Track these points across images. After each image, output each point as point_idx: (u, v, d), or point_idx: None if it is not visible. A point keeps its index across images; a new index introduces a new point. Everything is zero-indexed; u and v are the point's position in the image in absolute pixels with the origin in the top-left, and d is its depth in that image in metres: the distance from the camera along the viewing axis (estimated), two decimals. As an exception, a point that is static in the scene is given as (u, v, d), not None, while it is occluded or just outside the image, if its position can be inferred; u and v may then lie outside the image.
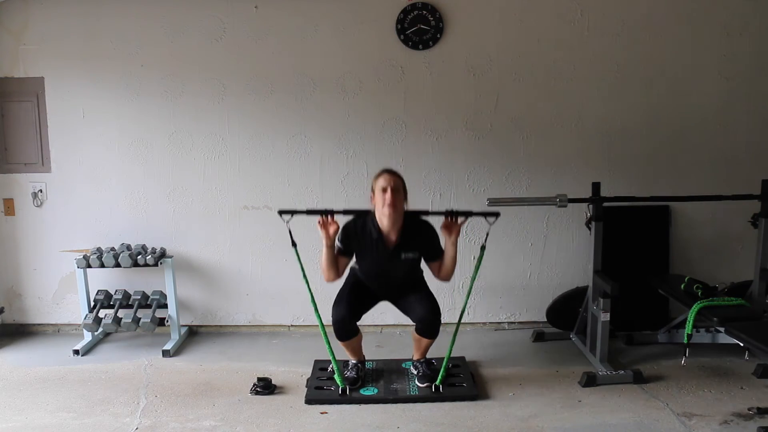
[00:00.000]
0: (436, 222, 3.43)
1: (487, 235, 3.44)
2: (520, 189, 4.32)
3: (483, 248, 3.48)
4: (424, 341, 3.51)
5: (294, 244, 3.40)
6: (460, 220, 3.37)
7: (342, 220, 3.41)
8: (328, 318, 3.47)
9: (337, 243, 3.37)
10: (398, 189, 3.28)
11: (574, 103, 4.26)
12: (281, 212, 3.39)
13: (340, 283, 3.53)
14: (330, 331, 3.44)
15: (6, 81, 4.27)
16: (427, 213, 3.48)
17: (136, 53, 4.23)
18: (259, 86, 4.24)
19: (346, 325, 3.41)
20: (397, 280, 3.49)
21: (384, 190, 3.25)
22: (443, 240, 3.40)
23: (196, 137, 4.31)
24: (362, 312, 3.51)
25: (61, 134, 4.32)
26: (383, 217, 3.29)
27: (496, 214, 3.40)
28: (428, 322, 3.42)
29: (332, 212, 3.33)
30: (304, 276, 3.42)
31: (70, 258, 4.27)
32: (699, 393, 3.41)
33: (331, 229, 3.31)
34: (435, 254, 3.44)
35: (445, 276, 3.47)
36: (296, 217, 3.39)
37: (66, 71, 4.25)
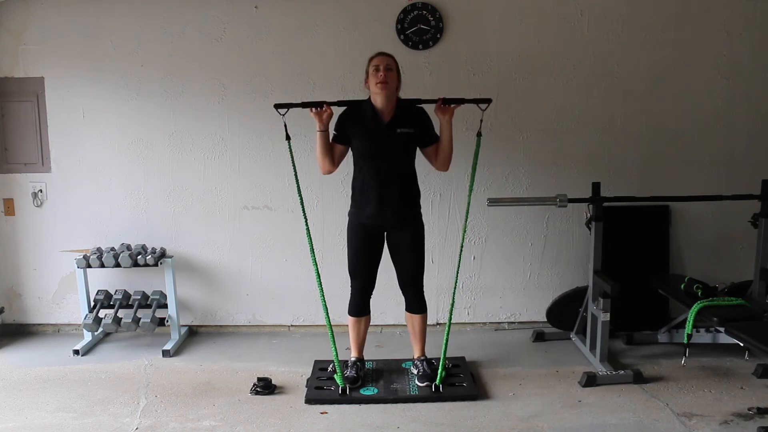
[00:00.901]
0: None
1: (481, 122, 3.39)
2: (520, 189, 4.32)
3: (479, 135, 3.44)
4: (416, 319, 3.53)
5: (288, 137, 3.39)
6: (453, 106, 3.38)
7: (335, 120, 3.41)
8: (330, 310, 3.46)
9: (332, 132, 3.39)
10: (391, 68, 3.34)
11: (574, 103, 4.26)
12: (277, 106, 3.36)
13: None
14: (331, 329, 3.44)
15: (6, 81, 4.27)
16: (420, 101, 3.47)
17: (136, 53, 4.23)
18: (259, 86, 4.24)
19: (365, 298, 3.49)
20: (393, 162, 3.39)
21: (377, 69, 3.31)
22: (437, 126, 3.41)
23: (196, 137, 4.31)
24: (375, 276, 3.53)
25: (61, 134, 4.32)
26: (377, 95, 3.33)
27: (488, 101, 3.38)
28: (411, 290, 3.48)
29: (327, 103, 3.35)
30: (295, 174, 3.42)
31: (70, 258, 4.27)
32: (699, 393, 3.41)
33: (325, 114, 3.33)
34: (431, 136, 3.44)
35: (443, 160, 3.45)
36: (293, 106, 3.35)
37: (66, 71, 4.25)
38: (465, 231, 3.52)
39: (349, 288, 3.57)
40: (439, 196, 4.33)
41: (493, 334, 4.41)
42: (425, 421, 3.15)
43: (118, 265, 4.12)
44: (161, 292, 4.30)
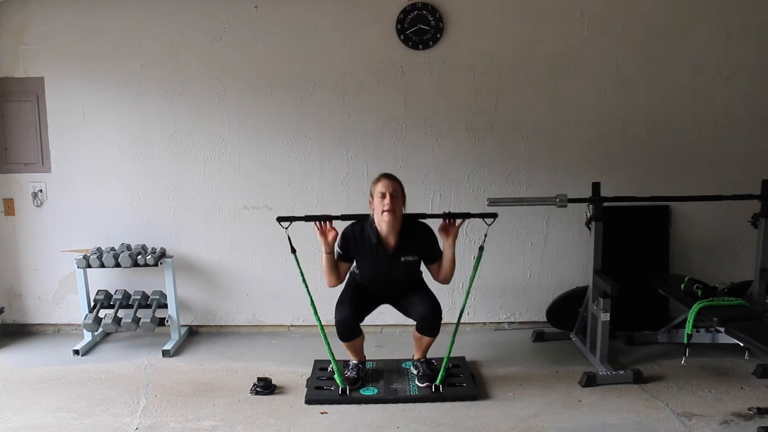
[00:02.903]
0: (434, 225, 3.43)
1: (486, 236, 3.45)
2: (520, 189, 4.32)
3: (481, 249, 3.49)
4: (425, 340, 3.51)
5: (293, 251, 3.41)
6: (458, 222, 3.38)
7: (340, 226, 3.41)
8: (327, 318, 3.47)
9: (336, 249, 3.39)
10: (397, 194, 3.30)
11: (574, 103, 4.26)
12: (280, 219, 3.41)
13: (342, 285, 3.54)
14: (330, 332, 3.44)
15: (6, 81, 4.27)
16: (425, 216, 3.49)
17: (136, 53, 4.23)
18: (259, 86, 4.24)
19: (349, 327, 3.41)
20: (398, 283, 3.50)
21: (383, 196, 3.27)
22: (442, 242, 3.40)
23: (196, 137, 4.31)
24: (365, 314, 3.52)
25: (61, 134, 4.32)
26: (382, 223, 3.31)
27: (494, 216, 3.41)
28: (429, 320, 3.42)
29: (330, 218, 3.35)
30: (304, 281, 3.44)
31: (70, 258, 4.27)
32: (699, 393, 3.41)
33: (330, 236, 3.33)
34: (434, 256, 3.45)
35: (444, 278, 3.48)
36: (296, 219, 3.41)
37: (66, 71, 4.25)
38: (463, 311, 3.58)
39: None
40: (439, 196, 4.33)
41: (493, 334, 4.41)
42: (425, 421, 3.15)
43: (118, 265, 4.12)
44: (161, 292, 4.30)
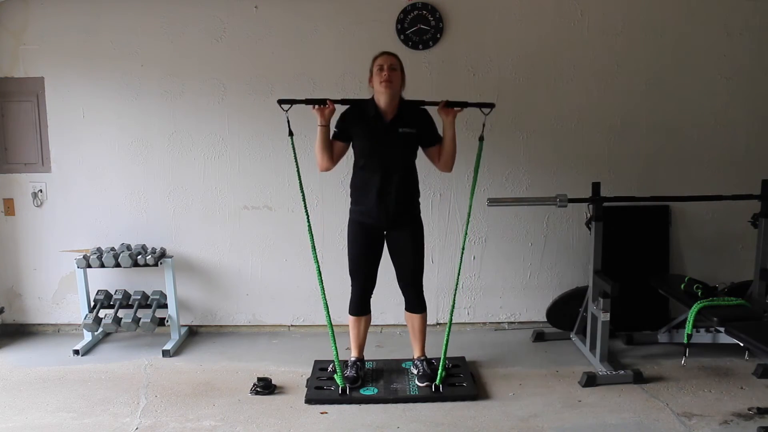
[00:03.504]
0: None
1: (484, 125, 3.41)
2: (520, 189, 4.32)
3: (481, 139, 3.46)
4: (416, 318, 3.53)
5: (291, 133, 3.38)
6: (456, 110, 3.38)
7: (337, 117, 3.41)
8: (331, 311, 3.46)
9: (333, 129, 3.39)
10: (395, 67, 3.33)
11: (574, 103, 4.26)
12: (280, 101, 3.36)
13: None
14: (333, 328, 3.44)
15: (6, 81, 4.27)
16: (423, 102, 3.46)
17: (136, 53, 4.23)
18: (259, 86, 4.24)
19: (365, 298, 3.49)
20: (395, 161, 3.38)
21: (381, 68, 3.30)
22: (440, 128, 3.40)
23: (196, 137, 4.31)
24: (375, 276, 3.52)
25: (61, 134, 4.32)
26: (380, 95, 3.32)
27: (491, 105, 3.40)
28: (410, 292, 3.48)
29: (330, 101, 3.34)
30: (297, 170, 3.42)
31: (70, 258, 4.27)
32: (699, 393, 3.41)
33: (327, 110, 3.33)
34: (433, 136, 3.44)
35: (446, 161, 3.44)
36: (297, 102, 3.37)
37: (66, 71, 4.25)
38: (466, 235, 3.52)
39: (350, 287, 3.57)
40: (439, 196, 4.33)
41: (493, 334, 4.41)
42: (425, 421, 3.15)
43: (118, 265, 4.12)
44: (161, 292, 4.30)
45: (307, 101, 3.35)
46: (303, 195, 3.44)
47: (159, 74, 4.24)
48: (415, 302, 3.54)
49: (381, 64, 3.33)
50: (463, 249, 3.50)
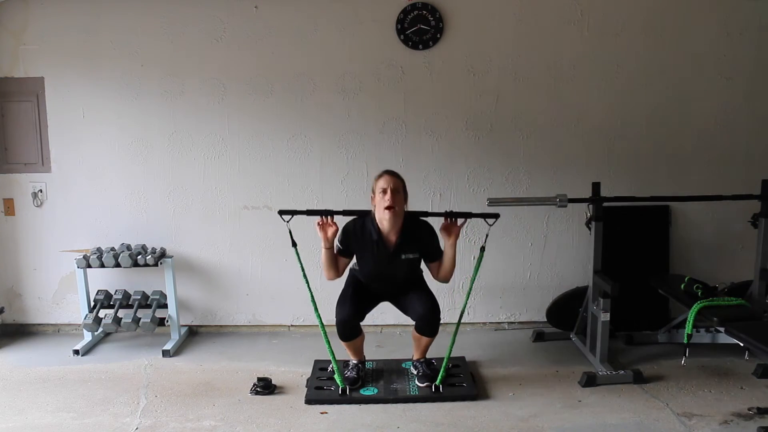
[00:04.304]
0: (436, 224, 3.43)
1: (487, 236, 3.45)
2: (520, 189, 4.32)
3: (482, 249, 3.49)
4: (424, 340, 3.51)
5: (294, 245, 3.40)
6: (459, 221, 3.38)
7: (341, 221, 3.41)
8: (327, 318, 3.48)
9: (336, 244, 3.39)
10: (398, 190, 3.29)
11: (574, 103, 4.26)
12: (281, 212, 3.41)
13: (341, 281, 3.54)
14: (330, 331, 3.44)
15: (6, 81, 4.27)
16: (426, 214, 3.49)
17: (136, 53, 4.23)
18: (259, 86, 4.24)
19: (350, 326, 3.41)
20: (398, 281, 3.49)
21: (384, 192, 3.26)
22: (443, 242, 3.40)
23: (196, 137, 4.31)
24: (366, 312, 3.52)
25: (61, 134, 4.32)
26: (383, 219, 3.30)
27: (496, 216, 3.41)
28: (427, 320, 3.42)
29: (332, 213, 3.35)
30: (304, 276, 3.44)
31: (70, 258, 4.27)
32: (699, 393, 3.41)
33: (330, 231, 3.32)
34: (434, 255, 3.44)
35: (444, 277, 3.48)
36: (297, 216, 3.41)
37: (66, 71, 4.25)
38: (463, 312, 3.58)
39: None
40: (439, 196, 4.33)
41: (493, 334, 4.41)
42: (425, 421, 3.15)
43: (118, 265, 4.12)
44: (161, 292, 4.30)
45: (309, 212, 3.39)
46: (311, 295, 3.46)
47: (159, 74, 4.24)
48: (430, 329, 3.47)
49: (384, 187, 3.27)
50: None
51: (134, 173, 4.35)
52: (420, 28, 4.16)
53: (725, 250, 4.37)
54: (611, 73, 4.23)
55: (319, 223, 3.32)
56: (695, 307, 3.50)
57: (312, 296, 3.44)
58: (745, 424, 3.06)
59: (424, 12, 4.14)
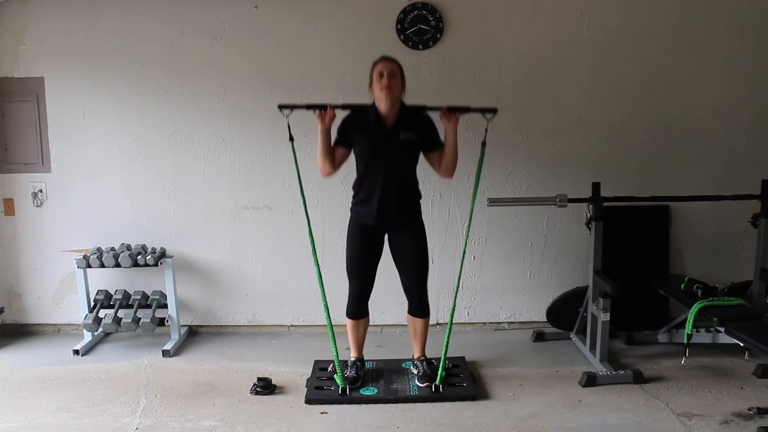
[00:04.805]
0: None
1: (486, 131, 3.39)
2: (520, 189, 4.32)
3: (484, 144, 3.42)
4: (418, 323, 3.52)
5: (291, 138, 3.36)
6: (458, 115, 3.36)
7: (339, 120, 3.39)
8: (331, 309, 3.46)
9: (334, 135, 3.38)
10: (395, 73, 3.30)
11: (574, 103, 4.26)
12: (281, 106, 3.32)
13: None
14: (333, 328, 3.44)
15: (6, 81, 4.27)
16: (425, 108, 3.44)
17: (137, 53, 4.23)
18: (259, 86, 4.24)
19: (363, 300, 3.47)
20: (397, 168, 3.38)
21: (381, 75, 3.27)
22: (442, 133, 3.38)
23: (196, 137, 4.31)
24: (373, 278, 3.51)
25: (61, 134, 4.32)
26: (381, 101, 3.30)
27: (494, 110, 3.36)
28: (415, 294, 3.46)
29: (331, 106, 3.32)
30: (298, 175, 3.41)
31: (70, 258, 4.27)
32: (699, 393, 3.41)
33: (328, 116, 3.30)
34: (435, 142, 3.42)
35: (447, 167, 3.42)
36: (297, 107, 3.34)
37: (66, 71, 4.25)
38: (468, 237, 3.52)
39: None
40: (439, 196, 4.33)
41: (493, 334, 4.41)
42: (425, 421, 3.15)
43: (118, 265, 4.12)
44: (161, 292, 4.30)
45: (308, 106, 3.33)
46: (303, 199, 3.43)
47: (159, 74, 4.24)
48: (419, 307, 3.52)
49: (381, 70, 3.29)
50: (464, 253, 3.50)
51: (134, 173, 4.35)
52: (420, 28, 4.16)
53: (725, 250, 4.37)
54: (611, 73, 4.23)
55: (317, 114, 3.29)
56: (695, 307, 3.50)
57: (312, 240, 3.41)
58: (745, 424, 3.06)
59: (424, 12, 4.14)
